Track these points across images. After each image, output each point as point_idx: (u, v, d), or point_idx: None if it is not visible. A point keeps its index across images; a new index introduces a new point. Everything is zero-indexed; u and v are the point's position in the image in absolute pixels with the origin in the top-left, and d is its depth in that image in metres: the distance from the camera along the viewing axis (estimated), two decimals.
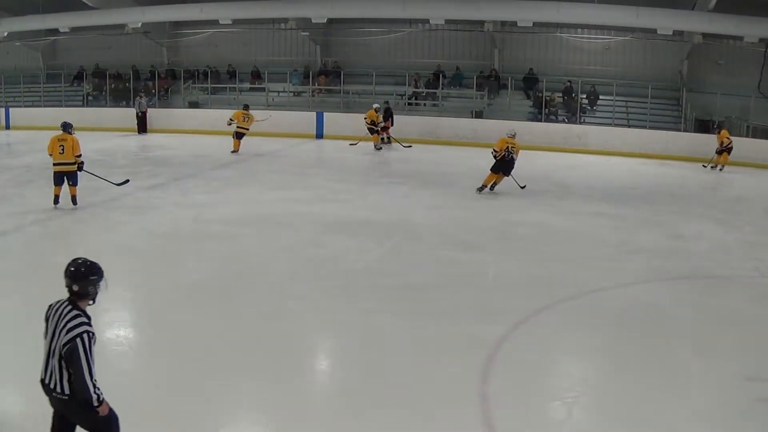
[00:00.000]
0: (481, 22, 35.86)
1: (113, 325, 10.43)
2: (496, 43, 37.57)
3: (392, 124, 32.28)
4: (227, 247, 15.12)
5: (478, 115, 35.37)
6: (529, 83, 36.85)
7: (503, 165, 21.11)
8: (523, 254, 15.38)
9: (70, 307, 6.10)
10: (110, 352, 9.38)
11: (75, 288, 6.15)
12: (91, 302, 6.27)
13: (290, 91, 38.79)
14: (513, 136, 21.30)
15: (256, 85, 39.07)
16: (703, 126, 33.87)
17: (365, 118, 31.14)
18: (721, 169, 28.81)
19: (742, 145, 30.21)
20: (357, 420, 8.16)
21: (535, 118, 34.79)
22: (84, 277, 6.19)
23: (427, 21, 36.07)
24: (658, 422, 8.41)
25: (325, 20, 36.40)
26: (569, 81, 35.68)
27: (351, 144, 30.96)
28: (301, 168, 25.91)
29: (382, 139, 31.41)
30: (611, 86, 34.93)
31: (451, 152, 29.32)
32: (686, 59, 36.91)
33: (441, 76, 36.64)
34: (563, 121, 35.08)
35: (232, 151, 28.62)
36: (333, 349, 10.63)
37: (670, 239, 17.49)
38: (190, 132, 35.44)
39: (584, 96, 36.00)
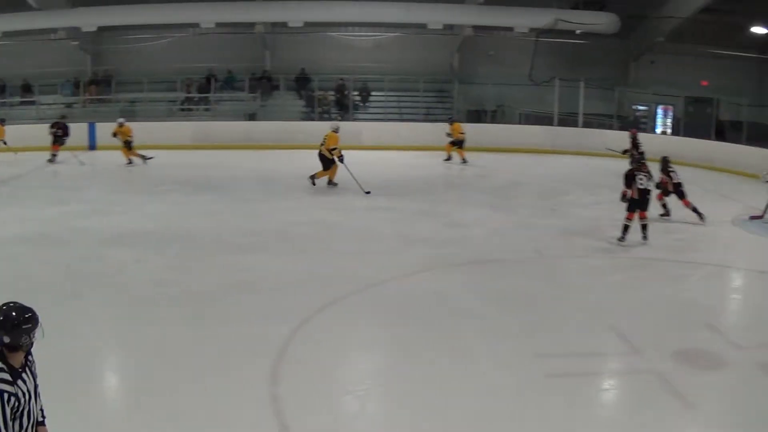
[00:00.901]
0: (252, 24, 35.75)
1: None
2: (267, 44, 37.54)
3: None
4: (4, 267, 14.47)
5: (252, 117, 35.29)
6: (302, 83, 36.99)
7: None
8: (304, 253, 15.57)
9: None
10: None
11: (6, 340, 5.30)
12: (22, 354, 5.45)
13: (61, 103, 37.72)
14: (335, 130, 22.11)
15: (27, 99, 37.82)
16: (476, 116, 34.94)
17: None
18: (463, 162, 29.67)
19: (514, 132, 31.32)
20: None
21: (309, 117, 34.96)
22: (16, 326, 5.35)
23: (197, 25, 35.77)
24: (451, 406, 8.75)
25: (95, 29, 35.60)
26: (341, 79, 36.01)
27: None
28: (75, 181, 25.08)
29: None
30: (383, 82, 35.48)
31: (227, 156, 29.17)
32: (457, 52, 37.97)
33: (213, 80, 36.38)
34: (336, 119, 35.35)
35: None
36: (121, 363, 10.45)
37: (448, 228, 18.06)
38: None
39: (356, 93, 36.42)
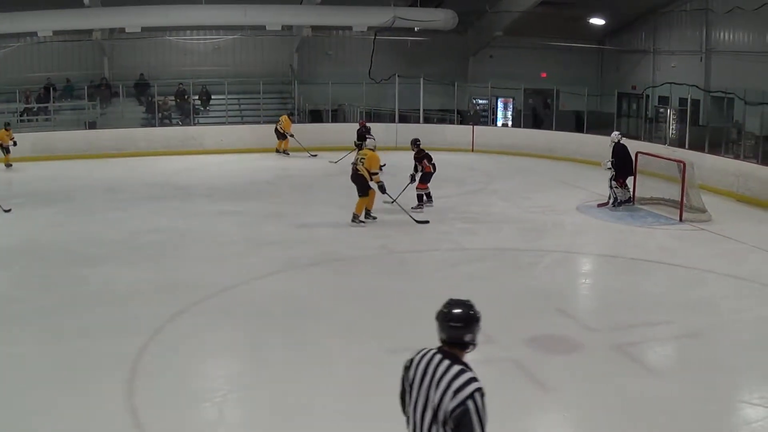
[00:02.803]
0: (90, 31, 35.05)
1: None
2: (106, 51, 36.86)
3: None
4: None
5: (92, 126, 34.57)
6: (141, 89, 36.39)
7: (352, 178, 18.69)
8: (152, 262, 15.31)
9: (448, 362, 5.28)
10: None
11: (467, 338, 5.45)
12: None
13: None
14: (371, 148, 19.03)
15: None
16: (317, 116, 35.07)
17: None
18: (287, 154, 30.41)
19: (354, 130, 31.42)
20: None
21: (150, 123, 34.35)
22: (476, 322, 5.58)
23: (35, 34, 34.88)
24: (309, 407, 8.78)
25: None
26: (181, 83, 35.60)
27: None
28: None
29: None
30: (223, 85, 35.19)
31: (69, 166, 28.51)
32: (296, 52, 37.96)
33: (52, 89, 35.55)
34: (177, 124, 34.97)
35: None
36: None
37: (296, 228, 18.05)
38: None
39: (197, 97, 36.06)
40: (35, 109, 35.53)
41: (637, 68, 36.61)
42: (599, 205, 20.12)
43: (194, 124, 34.14)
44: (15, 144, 28.22)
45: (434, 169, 19.76)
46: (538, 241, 16.93)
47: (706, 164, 22.66)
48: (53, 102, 34.99)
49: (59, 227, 18.57)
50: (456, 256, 15.92)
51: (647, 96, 33.08)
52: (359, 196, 18.29)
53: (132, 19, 32.99)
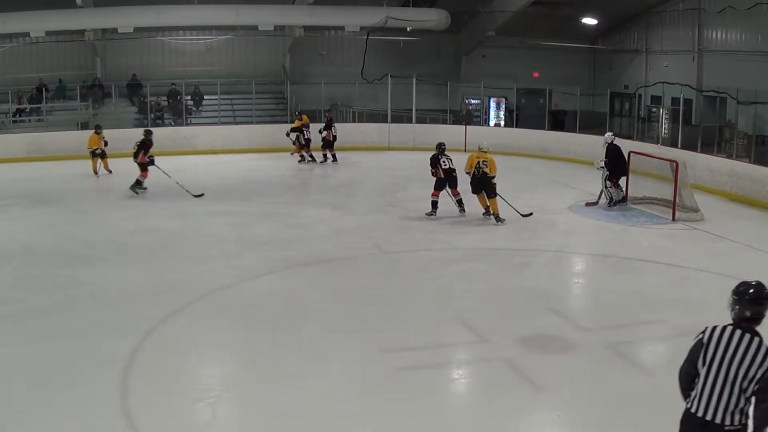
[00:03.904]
0: (82, 32, 34.99)
1: None
2: (98, 51, 36.80)
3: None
4: None
5: (84, 126, 34.51)
6: (134, 89, 36.36)
7: (476, 183, 18.84)
8: (144, 262, 15.28)
9: (750, 336, 5.72)
10: None
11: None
12: None
13: None
14: (485, 150, 19.05)
15: None
16: (310, 116, 35.02)
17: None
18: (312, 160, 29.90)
19: (349, 129, 31.45)
20: None
21: (142, 123, 34.20)
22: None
23: (27, 34, 34.83)
24: (303, 407, 8.78)
25: None
26: (173, 84, 35.57)
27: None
28: None
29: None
30: (216, 85, 35.16)
31: (61, 167, 28.41)
32: (288, 53, 37.93)
33: (44, 89, 35.50)
34: (170, 125, 34.93)
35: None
36: None
37: (289, 229, 18.07)
38: None
39: (189, 98, 36.03)
40: (27, 110, 35.48)
41: (629, 68, 36.70)
42: (587, 204, 20.17)
43: (187, 125, 34.09)
44: (106, 144, 27.19)
45: (445, 175, 19.01)
46: (530, 241, 16.96)
47: (699, 163, 22.77)
48: (46, 102, 34.93)
49: (52, 228, 18.51)
50: (449, 256, 15.95)
51: (640, 95, 33.10)
52: (489, 197, 18.70)
53: (124, 20, 32.97)
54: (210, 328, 11.58)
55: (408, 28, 35.59)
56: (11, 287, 13.83)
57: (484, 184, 18.66)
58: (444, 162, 19.05)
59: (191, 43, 37.87)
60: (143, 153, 22.63)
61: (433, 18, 35.01)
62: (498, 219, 18.55)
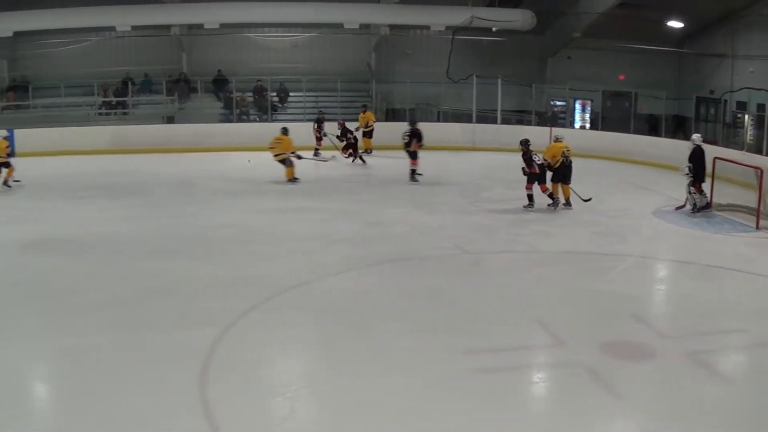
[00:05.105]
0: (168, 26, 35.39)
1: None
2: (184, 46, 37.22)
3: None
4: None
5: (170, 120, 34.99)
6: (219, 85, 36.70)
7: (561, 172, 20.10)
8: (226, 256, 15.43)
9: None
10: None
11: None
12: None
13: None
14: (562, 140, 20.78)
15: None
16: (394, 115, 35.10)
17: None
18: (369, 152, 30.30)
19: (433, 129, 31.38)
20: None
21: (227, 119, 34.70)
22: None
23: (113, 28, 35.31)
24: (379, 405, 8.76)
25: (11, 34, 34.96)
26: (259, 80, 35.83)
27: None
28: None
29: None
30: (301, 82, 35.35)
31: (145, 160, 28.81)
32: (374, 51, 38.03)
33: (130, 83, 35.96)
34: (255, 121, 35.19)
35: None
36: (45, 374, 10.20)
37: (369, 227, 18.07)
38: None
39: (274, 94, 36.26)
40: (113, 103, 35.94)
41: (715, 72, 36.04)
42: (677, 209, 19.90)
43: (272, 121, 34.29)
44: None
45: (540, 170, 19.75)
46: (612, 246, 16.74)
47: None
48: (131, 96, 35.38)
49: (135, 220, 18.80)
50: (530, 258, 15.83)
51: (725, 101, 32.64)
52: (567, 183, 20.11)
53: (211, 15, 33.32)
54: (289, 323, 11.62)
55: (493, 29, 35.44)
56: (94, 277, 14.04)
57: (567, 173, 19.66)
58: (536, 158, 19.70)
59: (276, 40, 38.14)
60: (416, 141, 24.07)
61: (518, 18, 34.82)
62: (569, 203, 19.96)
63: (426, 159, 26.55)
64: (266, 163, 23.91)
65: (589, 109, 37.02)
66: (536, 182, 19.78)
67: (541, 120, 34.84)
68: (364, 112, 31.09)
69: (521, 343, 10.85)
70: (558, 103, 37.70)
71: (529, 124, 34.33)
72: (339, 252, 15.76)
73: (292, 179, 23.71)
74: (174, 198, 21.72)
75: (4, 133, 24.85)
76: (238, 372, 9.63)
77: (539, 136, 27.53)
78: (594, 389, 9.22)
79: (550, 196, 19.77)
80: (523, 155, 19.84)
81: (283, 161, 23.86)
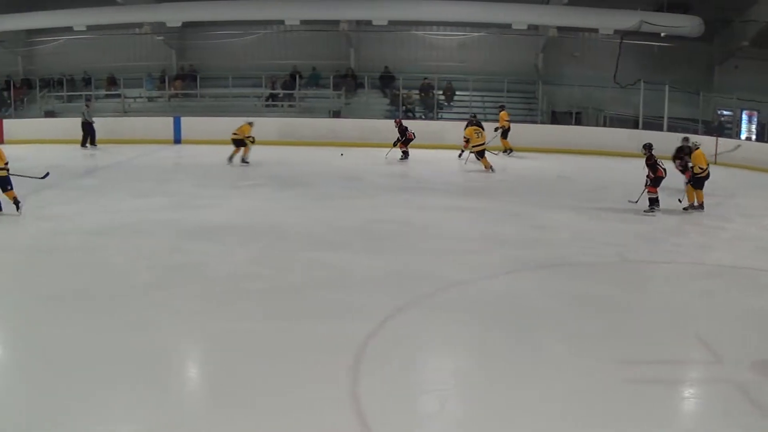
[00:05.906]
0: (337, 22, 35.87)
1: None
2: (352, 42, 37.68)
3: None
4: (88, 258, 14.69)
5: (336, 114, 35.49)
6: (386, 81, 37.05)
7: (704, 178, 20.27)
8: (387, 251, 15.48)
9: None
10: None
11: None
12: None
13: (145, 97, 38.17)
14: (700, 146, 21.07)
15: (112, 92, 38.23)
16: (560, 117, 34.83)
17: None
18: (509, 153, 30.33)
19: (598, 134, 31.06)
20: (232, 428, 8.05)
21: (393, 116, 34.89)
22: None
23: (282, 22, 35.97)
24: (530, 410, 8.61)
25: (180, 24, 36.00)
26: (426, 78, 35.99)
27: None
28: (160, 174, 25.43)
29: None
30: (467, 82, 35.38)
31: (311, 152, 29.28)
32: (542, 52, 37.86)
33: (298, 76, 36.55)
34: (420, 118, 35.35)
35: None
36: (201, 356, 10.48)
37: (532, 229, 17.87)
38: (47, 142, 33.64)
39: (441, 92, 36.36)
40: (281, 95, 36.60)
41: None
42: None
43: (437, 119, 34.40)
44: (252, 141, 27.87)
45: (665, 173, 19.83)
46: None
47: None
48: (298, 89, 35.94)
49: (300, 210, 19.20)
50: (692, 270, 15.41)
51: None
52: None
53: (379, 12, 33.70)
54: (444, 321, 11.59)
55: (662, 34, 34.81)
56: (260, 265, 14.35)
57: (705, 180, 20.10)
58: (660, 163, 19.90)
59: (444, 39, 38.24)
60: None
61: (687, 24, 34.18)
62: (703, 206, 20.15)
63: (590, 164, 26.25)
64: (428, 159, 23.93)
65: (755, 120, 35.98)
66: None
67: (707, 129, 33.96)
68: (501, 111, 30.91)
69: (676, 357, 10.54)
70: (725, 112, 36.75)
71: (695, 132, 33.56)
72: (499, 253, 15.65)
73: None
74: (339, 191, 22.05)
75: (250, 119, 27.30)
76: (389, 367, 9.65)
77: (704, 146, 27.04)
78: (745, 409, 8.86)
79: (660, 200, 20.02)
80: (647, 160, 19.81)
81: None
